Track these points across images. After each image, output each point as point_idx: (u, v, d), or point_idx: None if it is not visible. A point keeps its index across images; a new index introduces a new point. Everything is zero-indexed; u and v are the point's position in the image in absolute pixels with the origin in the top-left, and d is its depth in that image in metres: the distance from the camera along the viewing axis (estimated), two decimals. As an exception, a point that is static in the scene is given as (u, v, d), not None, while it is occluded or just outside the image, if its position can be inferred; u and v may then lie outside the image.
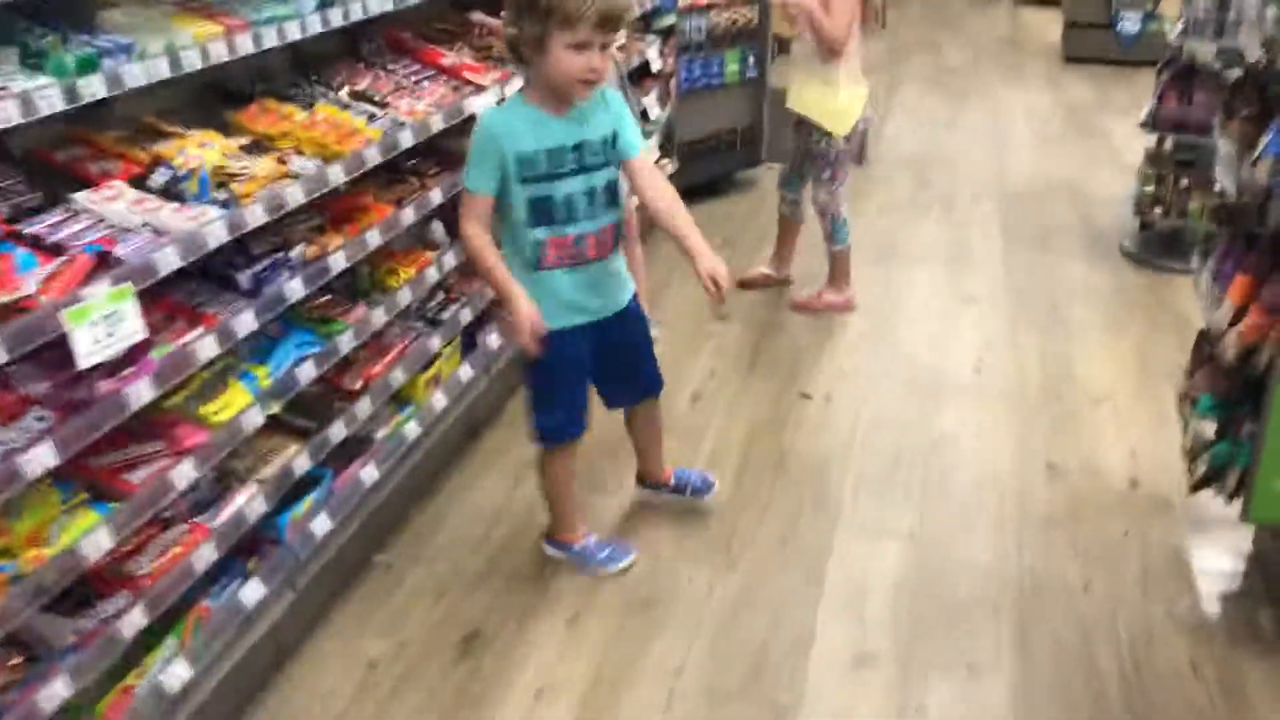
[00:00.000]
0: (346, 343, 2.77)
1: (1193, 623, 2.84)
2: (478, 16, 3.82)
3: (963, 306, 4.71)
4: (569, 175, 2.57)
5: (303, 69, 3.25)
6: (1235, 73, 2.89)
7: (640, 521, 3.23)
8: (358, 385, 2.92)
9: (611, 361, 2.86)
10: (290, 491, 2.62)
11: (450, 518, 3.25)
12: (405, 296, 3.08)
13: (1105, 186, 6.22)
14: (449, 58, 3.58)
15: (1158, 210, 5.03)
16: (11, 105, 1.97)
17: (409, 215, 3.03)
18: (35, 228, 2.09)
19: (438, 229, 3.37)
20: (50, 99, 2.05)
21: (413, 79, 3.37)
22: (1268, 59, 2.34)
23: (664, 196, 2.67)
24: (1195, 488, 2.81)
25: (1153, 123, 4.94)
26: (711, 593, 2.95)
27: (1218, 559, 3.10)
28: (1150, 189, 5.02)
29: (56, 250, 2.05)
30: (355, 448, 2.92)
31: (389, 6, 3.15)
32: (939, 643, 2.77)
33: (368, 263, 3.02)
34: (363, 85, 3.20)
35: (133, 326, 1.98)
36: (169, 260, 2.12)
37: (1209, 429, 2.71)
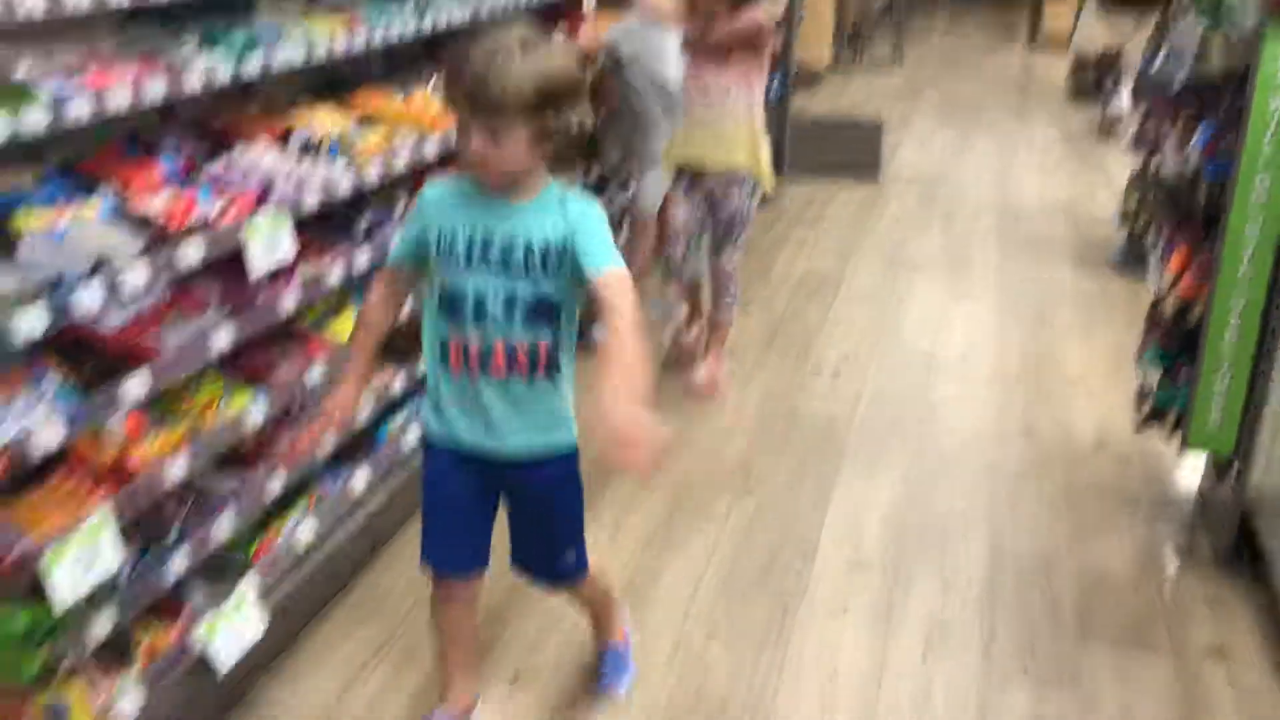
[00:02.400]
0: (433, 290, 3.32)
1: (1142, 547, 3.35)
2: None
3: (957, 304, 5.25)
4: (487, 272, 2.12)
5: (392, 68, 3.83)
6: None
7: (670, 459, 3.73)
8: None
9: (514, 514, 2.40)
10: (387, 408, 3.17)
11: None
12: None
13: (1099, 207, 6.77)
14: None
15: (1140, 222, 5.56)
16: (192, 77, 2.53)
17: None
18: (208, 173, 2.65)
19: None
20: (220, 73, 2.61)
21: (485, 80, 3.94)
22: (1196, 69, 2.89)
23: (615, 331, 2.01)
24: (1142, 423, 3.33)
25: (1135, 143, 5.47)
26: (730, 512, 3.47)
27: (1166, 499, 3.61)
28: (1133, 203, 5.55)
29: (224, 189, 2.60)
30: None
31: (467, 18, 3.73)
32: (922, 558, 3.28)
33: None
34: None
35: (288, 246, 2.54)
36: (311, 201, 2.68)
37: (1154, 376, 3.23)
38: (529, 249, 2.11)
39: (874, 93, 10.13)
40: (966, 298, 5.32)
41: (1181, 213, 3.25)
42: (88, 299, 2.03)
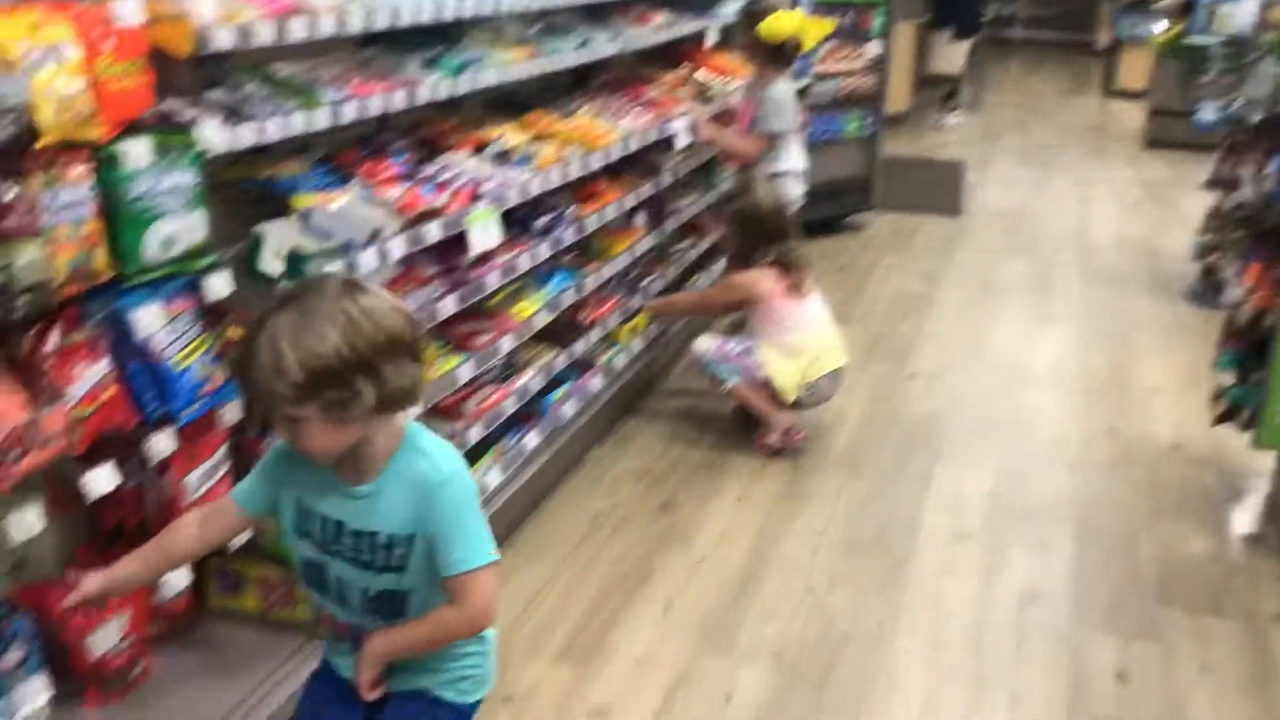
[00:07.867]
0: (590, 284, 3.82)
1: (1215, 531, 3.73)
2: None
3: (1044, 324, 5.66)
4: (345, 561, 1.88)
5: (548, 93, 4.36)
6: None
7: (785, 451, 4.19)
8: (588, 320, 3.96)
9: None
10: (550, 383, 3.66)
11: (641, 432, 4.28)
12: (621, 262, 4.14)
13: (1174, 244, 7.13)
14: (649, 94, 4.67)
15: (1215, 255, 5.93)
16: (424, 90, 3.06)
17: (629, 201, 4.09)
18: (426, 172, 3.17)
19: (640, 218, 4.43)
20: (442, 88, 3.14)
21: (627, 106, 4.46)
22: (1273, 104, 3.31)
23: (445, 614, 1.88)
24: (1216, 421, 3.73)
25: (1213, 182, 5.86)
26: (841, 491, 3.91)
27: (1238, 492, 3.99)
28: (1209, 237, 5.93)
29: (443, 186, 3.12)
30: (585, 366, 3.96)
31: (615, 51, 4.26)
32: (1017, 532, 3.70)
33: (597, 234, 4.08)
34: (596, 107, 4.29)
35: (497, 234, 3.04)
36: (513, 198, 3.19)
37: (1228, 378, 3.63)
38: (381, 540, 1.84)
39: (954, 136, 10.56)
40: (1050, 319, 5.72)
41: (1257, 233, 3.66)
42: (365, 262, 2.54)
